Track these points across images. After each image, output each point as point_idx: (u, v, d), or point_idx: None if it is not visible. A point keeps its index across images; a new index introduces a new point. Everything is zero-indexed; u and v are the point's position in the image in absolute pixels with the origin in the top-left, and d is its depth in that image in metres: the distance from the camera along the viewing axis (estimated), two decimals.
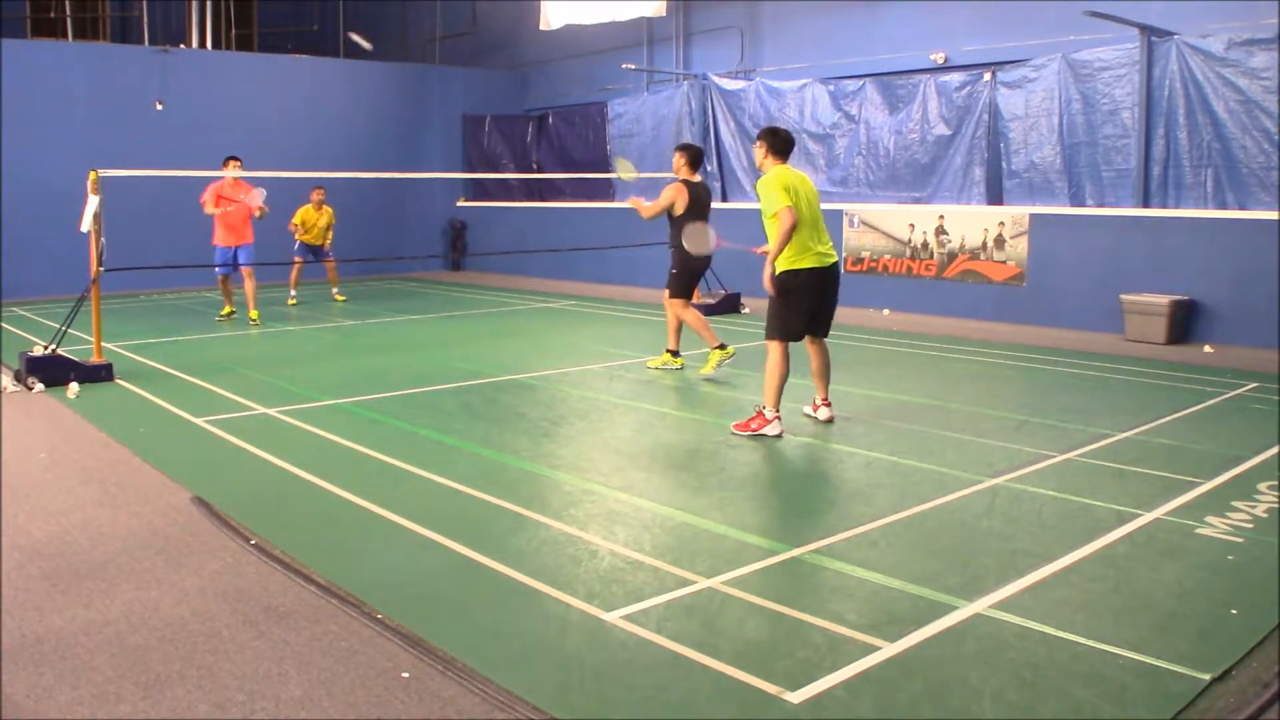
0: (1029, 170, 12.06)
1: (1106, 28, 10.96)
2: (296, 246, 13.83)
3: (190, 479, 5.40)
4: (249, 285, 11.82)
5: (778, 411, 6.29)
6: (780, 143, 6.36)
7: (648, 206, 8.37)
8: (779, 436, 6.25)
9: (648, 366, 8.65)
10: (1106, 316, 10.82)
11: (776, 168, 6.30)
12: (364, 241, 15.37)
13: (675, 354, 8.51)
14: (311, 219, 13.78)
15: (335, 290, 14.44)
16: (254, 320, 11.79)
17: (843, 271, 13.06)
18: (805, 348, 6.60)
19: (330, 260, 14.18)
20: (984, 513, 4.87)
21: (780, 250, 6.08)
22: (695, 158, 8.43)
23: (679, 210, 8.21)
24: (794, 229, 6.03)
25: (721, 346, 8.25)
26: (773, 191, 6.08)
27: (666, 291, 8.48)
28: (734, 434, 6.31)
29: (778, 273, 6.21)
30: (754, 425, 6.29)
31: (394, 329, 11.79)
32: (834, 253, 6.38)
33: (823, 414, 6.64)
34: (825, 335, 6.59)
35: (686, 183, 8.27)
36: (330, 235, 14.03)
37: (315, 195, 13.77)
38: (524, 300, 14.74)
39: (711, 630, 3.56)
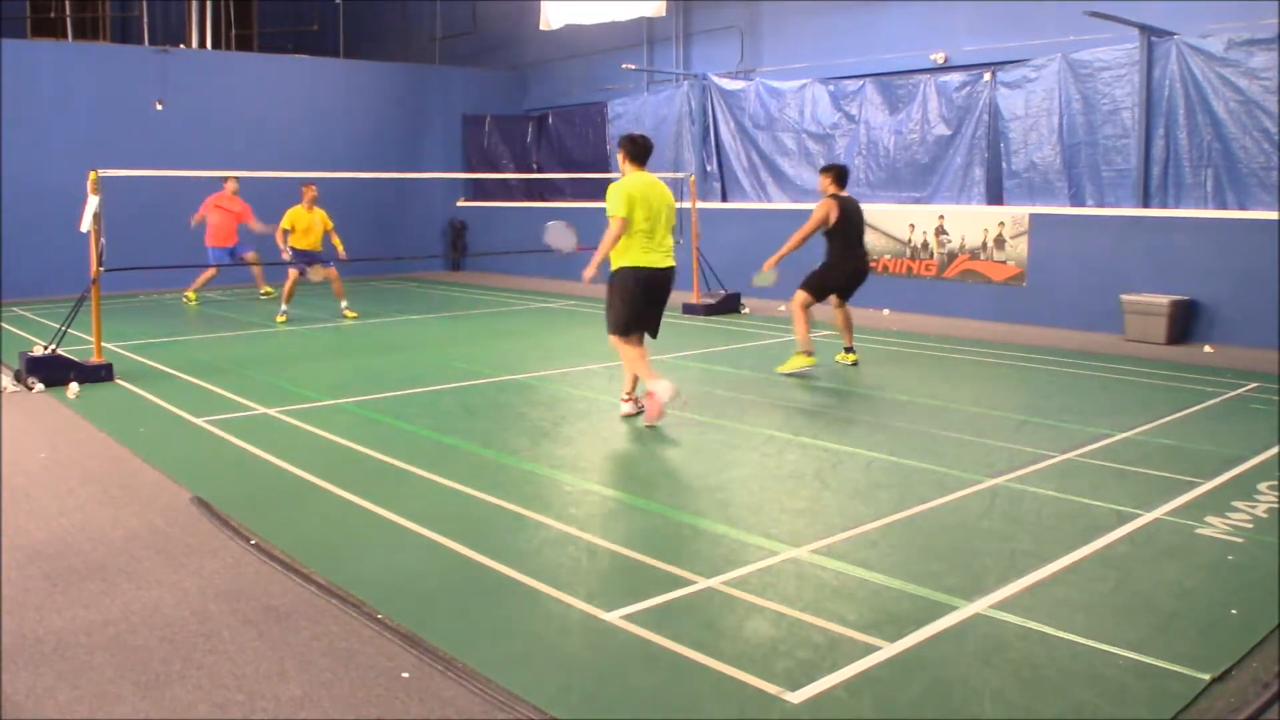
0: (1029, 170, 12.05)
1: (1106, 28, 10.95)
2: (291, 258, 12.17)
3: (190, 479, 5.40)
4: (256, 270, 14.36)
5: (652, 386, 6.56)
6: (637, 149, 6.72)
7: (798, 233, 8.31)
8: (659, 401, 6.52)
9: (777, 371, 8.42)
10: (1106, 316, 10.81)
11: (631, 174, 6.63)
12: (364, 241, 15.39)
13: (809, 354, 8.34)
14: (304, 221, 12.13)
15: (344, 305, 12.62)
16: (268, 293, 14.31)
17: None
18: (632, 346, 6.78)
19: (332, 269, 12.36)
20: (984, 513, 4.87)
21: (604, 254, 6.55)
22: (840, 175, 8.42)
23: (832, 221, 8.23)
24: (618, 238, 6.48)
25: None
26: (615, 199, 6.46)
27: (800, 293, 8.38)
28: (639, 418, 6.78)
29: (615, 269, 6.63)
30: (642, 403, 6.71)
31: (394, 329, 11.79)
32: (672, 258, 6.70)
33: (625, 409, 6.83)
34: (654, 336, 6.89)
35: (836, 197, 8.30)
36: (336, 241, 12.48)
37: (306, 193, 12.17)
38: (524, 300, 14.74)
39: (711, 630, 3.56)
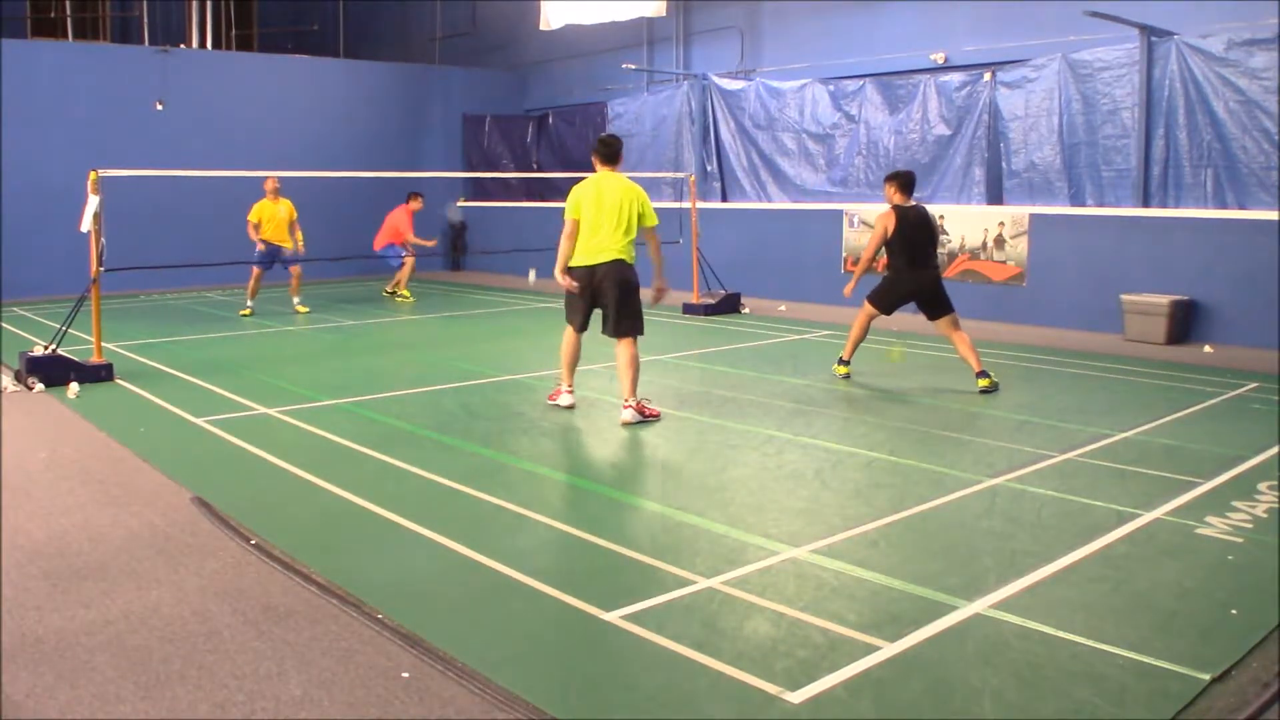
0: (1029, 170, 12.05)
1: (1106, 28, 10.95)
2: (256, 254, 12.33)
3: (190, 479, 5.40)
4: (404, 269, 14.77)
5: (568, 387, 7.16)
6: (605, 150, 6.94)
7: (864, 253, 8.16)
8: (569, 408, 7.09)
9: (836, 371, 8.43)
10: (1106, 316, 10.81)
11: (597, 174, 6.86)
12: (363, 241, 15.39)
13: (844, 362, 8.35)
14: (269, 212, 12.22)
15: (297, 300, 12.92)
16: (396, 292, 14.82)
17: (842, 270, 13.33)
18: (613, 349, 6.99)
19: (296, 266, 12.68)
20: (984, 513, 4.87)
21: (563, 255, 6.76)
22: (905, 183, 8.02)
23: (890, 234, 7.89)
24: (568, 236, 6.71)
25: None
26: (568, 201, 6.80)
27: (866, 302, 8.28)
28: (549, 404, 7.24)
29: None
30: (550, 397, 7.28)
31: (394, 329, 11.79)
32: (612, 251, 6.67)
33: (626, 415, 6.72)
34: (615, 335, 6.80)
35: (896, 208, 7.94)
36: (299, 235, 12.62)
37: (269, 184, 12.22)
38: (524, 300, 14.74)
39: (711, 630, 3.56)
